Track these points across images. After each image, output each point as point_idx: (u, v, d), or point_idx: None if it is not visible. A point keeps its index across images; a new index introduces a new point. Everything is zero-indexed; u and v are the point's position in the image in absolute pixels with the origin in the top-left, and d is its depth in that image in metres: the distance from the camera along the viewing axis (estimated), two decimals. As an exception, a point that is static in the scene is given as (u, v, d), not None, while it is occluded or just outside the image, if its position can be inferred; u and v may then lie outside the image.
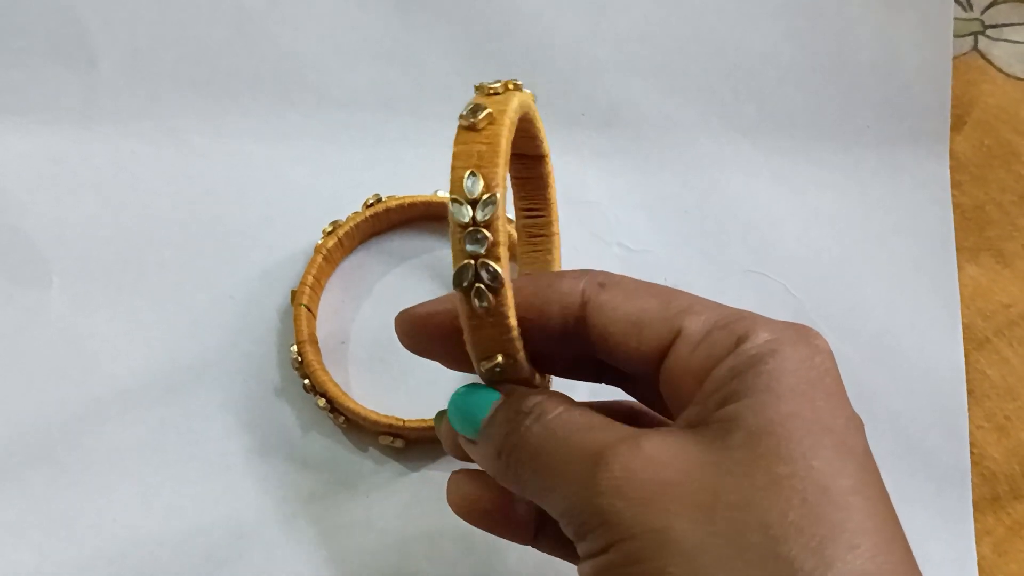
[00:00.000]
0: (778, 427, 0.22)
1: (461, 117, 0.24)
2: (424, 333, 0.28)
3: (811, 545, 0.21)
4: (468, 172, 0.23)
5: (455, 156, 0.24)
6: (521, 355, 0.25)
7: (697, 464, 0.22)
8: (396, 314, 0.28)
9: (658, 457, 0.23)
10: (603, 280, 0.26)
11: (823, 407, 0.23)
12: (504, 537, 0.29)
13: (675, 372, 0.25)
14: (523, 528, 0.29)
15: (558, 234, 0.34)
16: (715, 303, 0.26)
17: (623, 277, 0.27)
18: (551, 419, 0.25)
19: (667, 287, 0.26)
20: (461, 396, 0.27)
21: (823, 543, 0.21)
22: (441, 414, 0.29)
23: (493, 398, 0.26)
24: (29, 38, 0.43)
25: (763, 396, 0.23)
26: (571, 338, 0.26)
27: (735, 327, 0.24)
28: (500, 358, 0.25)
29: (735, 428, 0.23)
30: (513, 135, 0.25)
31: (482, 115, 0.24)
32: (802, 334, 0.24)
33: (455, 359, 0.27)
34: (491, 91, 0.26)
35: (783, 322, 0.25)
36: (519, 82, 0.26)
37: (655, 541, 0.21)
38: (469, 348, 0.25)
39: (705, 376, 0.24)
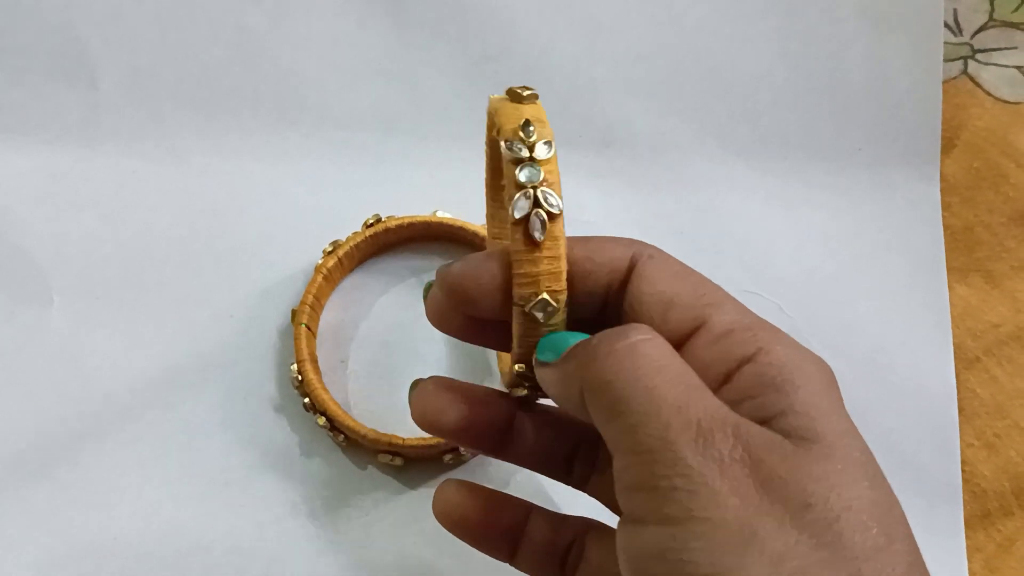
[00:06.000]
0: (841, 452, 0.22)
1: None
2: (473, 292, 0.26)
3: (886, 573, 0.21)
4: (523, 121, 0.24)
5: (503, 116, 0.25)
6: (564, 292, 0.25)
7: (794, 466, 0.22)
8: (431, 281, 0.27)
9: (765, 447, 0.22)
10: (652, 253, 0.26)
11: (857, 437, 0.24)
12: (484, 552, 0.29)
13: (688, 360, 0.24)
14: (505, 545, 0.29)
15: None
16: (741, 305, 0.26)
17: (670, 256, 0.26)
18: (659, 347, 0.23)
19: (704, 277, 0.26)
20: (556, 332, 0.25)
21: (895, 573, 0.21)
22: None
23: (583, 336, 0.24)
24: (31, 58, 0.43)
25: (814, 415, 0.23)
26: (608, 310, 0.26)
27: (758, 335, 0.24)
28: (546, 295, 0.24)
29: (816, 439, 0.22)
30: None
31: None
32: (817, 362, 0.24)
33: (485, 332, 0.27)
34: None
35: (798, 343, 0.25)
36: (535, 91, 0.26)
37: (741, 538, 0.20)
38: (516, 285, 0.24)
39: (718, 372, 0.24)
